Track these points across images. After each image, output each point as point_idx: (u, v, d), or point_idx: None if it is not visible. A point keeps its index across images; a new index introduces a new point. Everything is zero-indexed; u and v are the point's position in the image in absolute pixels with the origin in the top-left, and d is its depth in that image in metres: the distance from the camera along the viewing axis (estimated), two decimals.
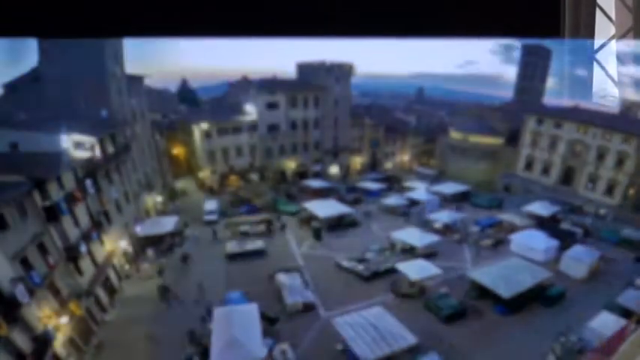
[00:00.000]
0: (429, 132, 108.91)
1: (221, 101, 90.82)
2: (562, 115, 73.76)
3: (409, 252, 50.91)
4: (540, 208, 63.53)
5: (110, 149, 50.01)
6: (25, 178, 31.71)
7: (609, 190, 68.31)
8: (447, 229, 58.47)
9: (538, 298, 40.46)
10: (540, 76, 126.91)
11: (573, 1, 10.36)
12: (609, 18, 11.22)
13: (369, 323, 32.57)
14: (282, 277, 43.48)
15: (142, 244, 51.76)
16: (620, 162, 66.28)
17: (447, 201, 72.91)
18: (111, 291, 41.24)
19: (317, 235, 56.39)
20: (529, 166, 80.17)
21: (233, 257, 49.64)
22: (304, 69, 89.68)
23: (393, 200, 69.72)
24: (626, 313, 36.86)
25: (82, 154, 44.32)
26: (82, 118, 48.21)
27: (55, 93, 48.23)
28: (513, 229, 56.82)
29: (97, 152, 46.55)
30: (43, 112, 46.45)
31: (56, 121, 41.85)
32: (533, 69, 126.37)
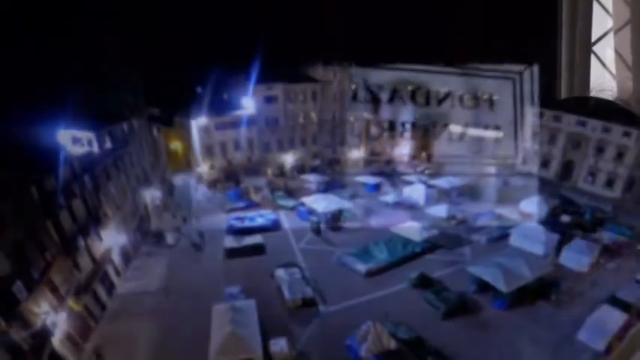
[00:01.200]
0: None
1: (220, 95, 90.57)
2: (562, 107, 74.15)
3: None
4: (539, 202, 63.34)
5: (108, 144, 50.62)
6: (23, 173, 31.79)
7: (609, 183, 68.73)
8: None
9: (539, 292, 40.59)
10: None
11: None
12: (606, 10, 11.13)
13: None
14: (281, 273, 43.72)
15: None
16: (619, 155, 66.72)
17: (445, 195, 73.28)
18: (109, 287, 41.26)
19: (316, 230, 56.85)
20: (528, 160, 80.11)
21: (232, 253, 49.46)
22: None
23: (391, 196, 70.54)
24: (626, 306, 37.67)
25: (79, 149, 44.31)
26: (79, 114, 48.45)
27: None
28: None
29: (95, 147, 46.59)
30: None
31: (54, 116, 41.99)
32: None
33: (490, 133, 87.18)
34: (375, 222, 62.08)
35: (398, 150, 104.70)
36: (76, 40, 50.70)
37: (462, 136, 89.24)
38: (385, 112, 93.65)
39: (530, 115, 78.73)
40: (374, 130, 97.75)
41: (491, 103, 79.56)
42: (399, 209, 67.88)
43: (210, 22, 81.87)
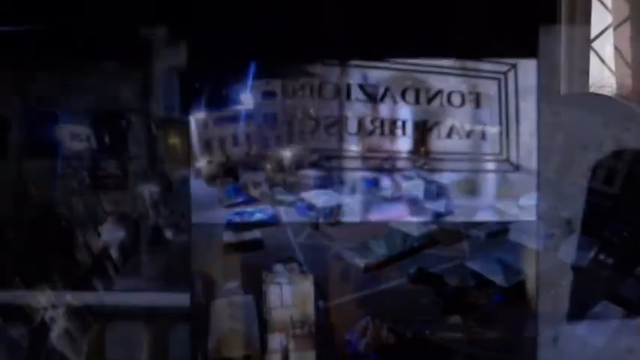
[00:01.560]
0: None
1: (218, 89, 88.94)
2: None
3: None
4: (538, 197, 62.71)
5: (107, 140, 49.07)
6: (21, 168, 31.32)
7: (608, 178, 67.83)
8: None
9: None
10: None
11: None
12: (605, 6, 10.98)
13: None
14: (279, 268, 43.92)
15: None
16: (619, 151, 65.89)
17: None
18: (108, 283, 40.76)
19: (315, 225, 55.90)
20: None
21: (229, 248, 49.51)
22: None
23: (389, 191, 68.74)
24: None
25: (78, 145, 43.49)
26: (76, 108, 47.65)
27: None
28: None
29: (93, 143, 45.70)
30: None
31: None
32: None
33: (478, 130, 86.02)
34: (373, 216, 60.95)
35: (396, 145, 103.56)
36: (74, 35, 49.97)
37: (450, 133, 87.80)
38: (383, 109, 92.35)
39: (522, 112, 77.22)
40: (371, 126, 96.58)
41: (477, 101, 78.16)
42: (398, 204, 66.62)
43: (207, 17, 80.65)
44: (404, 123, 7.15)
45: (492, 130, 6.84)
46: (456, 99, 5.93)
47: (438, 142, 7.04)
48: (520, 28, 5.92)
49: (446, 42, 5.58)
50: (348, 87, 5.91)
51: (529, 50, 5.97)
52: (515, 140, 6.62)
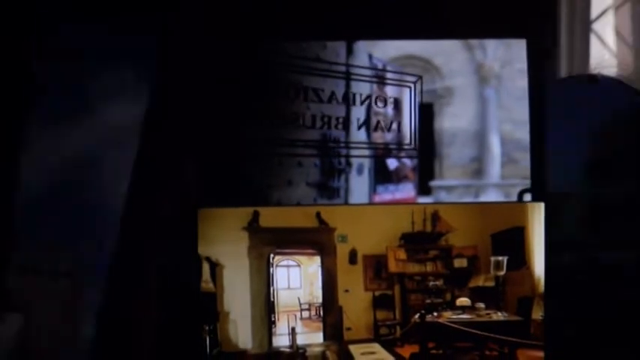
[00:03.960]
0: None
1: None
2: None
3: None
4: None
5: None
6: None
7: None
8: None
9: None
10: None
11: None
12: None
13: None
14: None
15: None
16: None
17: None
18: None
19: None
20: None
21: None
22: None
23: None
24: None
25: None
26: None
27: None
28: None
29: None
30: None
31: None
32: None
33: (395, 126, 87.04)
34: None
35: (336, 137, 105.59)
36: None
37: (376, 127, 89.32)
38: (328, 108, 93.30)
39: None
40: (320, 122, 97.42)
41: (396, 104, 78.99)
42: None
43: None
44: (342, 119, 8.26)
45: (405, 126, 7.97)
46: (381, 102, 6.84)
47: (367, 134, 8.07)
48: (519, 11, 5.99)
49: (448, 23, 5.63)
50: (305, 90, 6.59)
51: (529, 33, 6.08)
52: (418, 133, 7.68)
